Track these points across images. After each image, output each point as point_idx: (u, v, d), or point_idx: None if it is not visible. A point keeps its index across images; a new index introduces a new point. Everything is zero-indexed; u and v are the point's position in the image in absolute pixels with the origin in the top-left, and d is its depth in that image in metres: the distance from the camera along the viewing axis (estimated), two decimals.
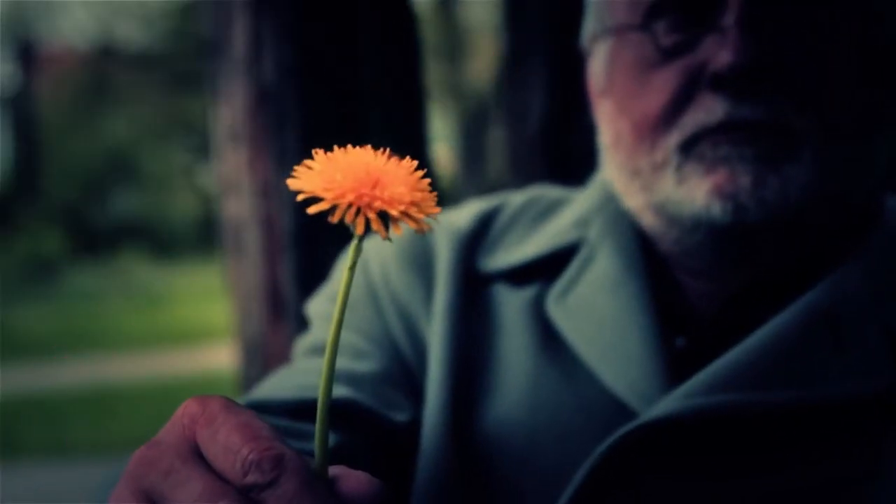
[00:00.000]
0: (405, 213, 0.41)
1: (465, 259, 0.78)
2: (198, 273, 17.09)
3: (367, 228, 0.41)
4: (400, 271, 0.78)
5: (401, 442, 0.72)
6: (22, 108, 18.11)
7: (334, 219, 0.41)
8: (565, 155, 1.69)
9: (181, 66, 15.96)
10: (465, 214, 0.82)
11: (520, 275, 0.77)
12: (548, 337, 0.73)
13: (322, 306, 0.81)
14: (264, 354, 1.31)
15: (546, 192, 0.86)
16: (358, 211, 0.40)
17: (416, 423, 0.72)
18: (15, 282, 16.37)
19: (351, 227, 0.42)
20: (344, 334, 0.75)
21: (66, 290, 16.86)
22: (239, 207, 1.32)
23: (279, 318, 1.29)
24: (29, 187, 17.64)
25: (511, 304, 0.76)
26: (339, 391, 0.66)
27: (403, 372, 0.75)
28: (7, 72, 17.68)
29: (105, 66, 18.76)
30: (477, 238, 0.80)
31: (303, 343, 0.80)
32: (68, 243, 16.46)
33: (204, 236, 17.56)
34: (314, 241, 1.28)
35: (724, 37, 0.67)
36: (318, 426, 0.42)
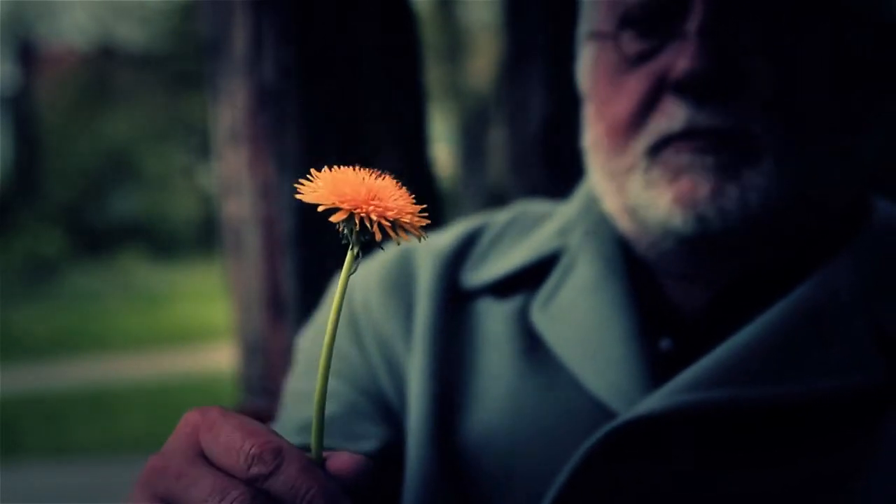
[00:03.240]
0: (410, 223, 0.47)
1: (447, 276, 0.79)
2: (198, 273, 17.04)
3: (363, 243, 0.47)
4: (381, 299, 0.79)
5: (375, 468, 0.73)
6: (22, 108, 18.09)
7: (356, 227, 0.46)
8: (566, 155, 1.69)
9: (181, 66, 15.94)
10: (447, 235, 0.83)
11: (504, 287, 0.78)
12: (531, 345, 0.74)
13: (310, 347, 0.82)
14: (264, 354, 1.31)
15: (531, 207, 0.87)
16: (370, 221, 0.46)
17: (388, 449, 0.74)
18: (15, 282, 16.36)
19: (348, 238, 0.47)
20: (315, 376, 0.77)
21: (66, 290, 16.85)
22: (239, 208, 1.32)
23: (279, 318, 1.29)
24: (29, 187, 17.63)
25: (495, 316, 0.77)
26: (300, 439, 0.67)
27: (376, 401, 0.76)
28: (7, 72, 17.66)
29: (105, 66, 18.75)
30: (460, 256, 0.81)
31: (291, 386, 0.82)
32: (68, 243, 16.45)
33: (204, 236, 17.52)
34: (314, 242, 1.28)
35: (685, 43, 0.68)
36: (314, 415, 0.47)
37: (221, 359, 9.04)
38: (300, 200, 0.45)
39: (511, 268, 0.78)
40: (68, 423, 5.96)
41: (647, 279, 0.75)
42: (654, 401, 0.65)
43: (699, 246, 0.70)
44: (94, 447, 5.18)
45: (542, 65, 1.74)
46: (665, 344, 0.72)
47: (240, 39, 1.29)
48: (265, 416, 0.83)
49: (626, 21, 0.72)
